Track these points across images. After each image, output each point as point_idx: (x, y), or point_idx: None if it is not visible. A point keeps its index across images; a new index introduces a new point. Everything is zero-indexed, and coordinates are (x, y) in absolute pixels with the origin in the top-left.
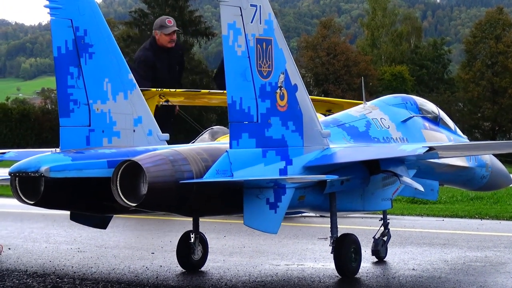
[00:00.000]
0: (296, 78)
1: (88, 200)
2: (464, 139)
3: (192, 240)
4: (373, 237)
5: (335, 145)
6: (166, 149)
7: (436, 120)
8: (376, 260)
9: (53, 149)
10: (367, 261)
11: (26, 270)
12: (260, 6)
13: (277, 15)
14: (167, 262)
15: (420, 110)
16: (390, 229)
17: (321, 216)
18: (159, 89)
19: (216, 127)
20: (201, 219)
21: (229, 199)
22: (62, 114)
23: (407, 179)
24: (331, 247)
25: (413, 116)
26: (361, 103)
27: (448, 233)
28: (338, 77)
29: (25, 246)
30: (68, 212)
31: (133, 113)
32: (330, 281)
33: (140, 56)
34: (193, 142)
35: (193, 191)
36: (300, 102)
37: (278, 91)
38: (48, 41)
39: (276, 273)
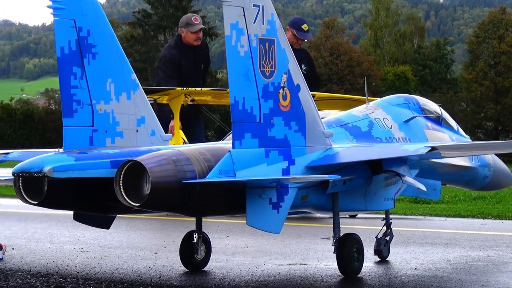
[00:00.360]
0: (298, 78)
1: (91, 200)
2: (466, 139)
3: (195, 240)
4: (375, 237)
5: (337, 145)
6: (169, 149)
7: (438, 120)
8: (378, 259)
9: (56, 149)
10: (369, 261)
11: (30, 270)
12: (262, 6)
13: (281, 15)
14: (170, 262)
15: (422, 110)
16: (393, 228)
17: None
18: (185, 88)
19: None
20: (204, 219)
21: (231, 199)
22: (65, 115)
23: (409, 179)
24: (333, 246)
25: (416, 116)
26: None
27: (451, 232)
28: (341, 77)
29: (29, 246)
30: (72, 212)
31: (136, 113)
32: (332, 281)
33: (166, 54)
34: (222, 140)
35: (196, 191)
36: (303, 102)
37: (281, 91)
38: (51, 42)
39: (279, 272)
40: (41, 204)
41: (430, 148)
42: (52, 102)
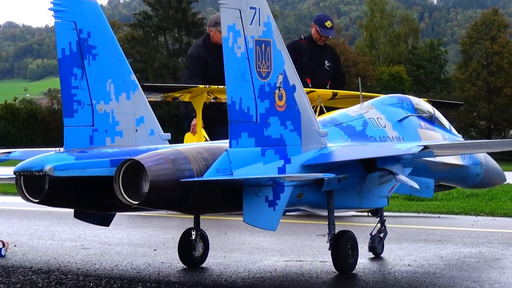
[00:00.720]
0: (294, 78)
1: (91, 198)
2: (459, 138)
3: (193, 237)
4: (370, 234)
5: (332, 144)
6: (168, 148)
7: (431, 120)
8: (372, 256)
9: (57, 149)
10: (364, 257)
11: (31, 266)
12: (259, 8)
13: (278, 17)
14: (169, 259)
15: (416, 110)
16: (387, 226)
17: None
18: (207, 86)
19: None
20: (202, 217)
21: (228, 197)
22: (66, 115)
23: (403, 177)
24: (328, 243)
25: (409, 116)
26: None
27: (444, 229)
28: None
29: (31, 243)
30: (72, 210)
31: (136, 113)
32: (327, 277)
33: (193, 53)
34: None
35: (193, 189)
36: (298, 102)
37: (277, 91)
38: (54, 43)
39: (275, 269)
40: (42, 202)
41: (422, 147)
42: (55, 102)
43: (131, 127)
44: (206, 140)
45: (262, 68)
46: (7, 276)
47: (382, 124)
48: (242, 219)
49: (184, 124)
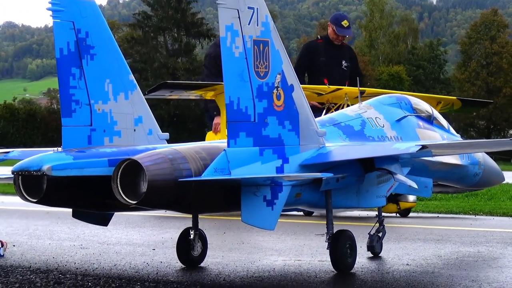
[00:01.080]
0: (292, 78)
1: (90, 198)
2: (457, 138)
3: (192, 236)
4: (368, 233)
5: (330, 143)
6: (166, 148)
7: (430, 119)
8: (371, 255)
9: (55, 148)
10: (362, 257)
11: (30, 266)
12: (257, 8)
13: (278, 17)
14: (168, 258)
15: (414, 110)
16: (385, 225)
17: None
18: None
19: None
20: (201, 216)
21: (227, 196)
22: (64, 114)
23: (401, 177)
24: (327, 243)
25: (408, 116)
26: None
27: (442, 229)
28: None
29: (29, 243)
30: (71, 210)
31: (134, 113)
32: (326, 276)
33: (211, 52)
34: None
35: (191, 189)
36: (296, 102)
37: (275, 91)
38: (54, 43)
39: (274, 268)
40: (40, 202)
41: (420, 147)
42: (54, 102)
43: (129, 127)
44: None
45: (260, 68)
46: (6, 275)
47: (380, 123)
48: (240, 218)
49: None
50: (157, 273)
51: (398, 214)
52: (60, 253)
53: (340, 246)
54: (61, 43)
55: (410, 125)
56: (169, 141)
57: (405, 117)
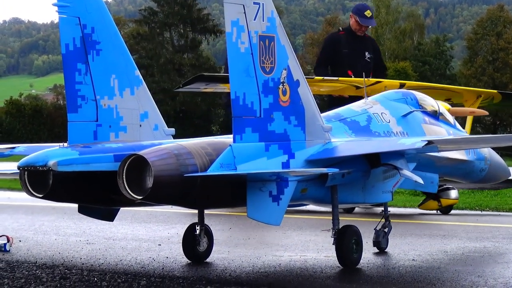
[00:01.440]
0: (298, 74)
1: (95, 193)
2: (463, 133)
3: (198, 232)
4: (374, 229)
5: (336, 139)
6: (171, 143)
7: (435, 115)
8: (377, 251)
9: (61, 144)
10: (368, 252)
11: (36, 261)
12: (263, 3)
13: (283, 13)
14: (173, 254)
15: (420, 105)
16: (391, 220)
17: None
18: None
19: None
20: (207, 212)
21: (232, 192)
22: (70, 110)
23: (407, 172)
24: (333, 238)
25: (413, 111)
26: (481, 90)
27: (449, 224)
28: None
29: (35, 238)
30: (77, 205)
31: (140, 109)
32: (331, 272)
33: None
34: None
35: (197, 184)
36: (302, 97)
37: (281, 86)
38: (60, 39)
39: (279, 263)
40: (46, 197)
41: (426, 142)
42: (61, 98)
43: (135, 122)
44: None
45: (266, 64)
46: (12, 271)
47: (386, 119)
48: (246, 214)
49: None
50: (163, 268)
51: (439, 212)
52: (66, 249)
53: (346, 242)
54: (67, 38)
55: (416, 121)
56: (175, 137)
57: (411, 112)
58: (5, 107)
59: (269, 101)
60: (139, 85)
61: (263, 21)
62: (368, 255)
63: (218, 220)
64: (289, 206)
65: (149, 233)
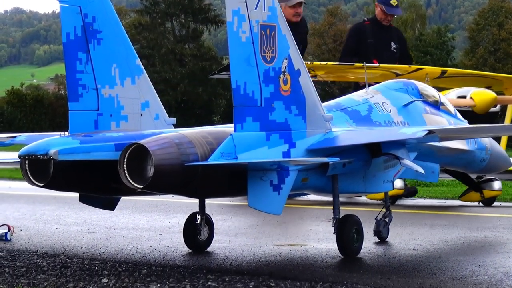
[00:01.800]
0: (299, 63)
1: (96, 182)
2: (464, 123)
3: (198, 221)
4: (375, 218)
5: (337, 128)
6: (172, 133)
7: (436, 105)
8: (378, 240)
9: (62, 133)
10: (369, 242)
11: (37, 250)
12: None
13: None
14: (174, 243)
15: (421, 95)
16: (392, 210)
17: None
18: (309, 62)
19: None
20: (207, 201)
21: (233, 181)
22: (71, 99)
23: (407, 162)
24: (333, 228)
25: (414, 101)
26: None
27: (449, 214)
28: None
29: (36, 228)
30: (78, 194)
31: (141, 98)
32: (332, 261)
33: None
34: None
35: (198, 173)
36: (303, 86)
37: (282, 76)
38: (61, 28)
39: (280, 253)
40: (47, 186)
41: (427, 131)
42: (62, 88)
43: (136, 111)
44: None
45: (267, 53)
46: (13, 260)
47: (387, 109)
48: (247, 203)
49: None
50: (164, 257)
51: (481, 203)
52: (67, 238)
53: (347, 231)
54: (68, 27)
55: (417, 110)
56: (176, 126)
57: (412, 102)
58: (7, 97)
59: (270, 91)
60: (140, 74)
61: (264, 10)
62: (368, 245)
63: (219, 210)
64: (290, 195)
65: (150, 223)
